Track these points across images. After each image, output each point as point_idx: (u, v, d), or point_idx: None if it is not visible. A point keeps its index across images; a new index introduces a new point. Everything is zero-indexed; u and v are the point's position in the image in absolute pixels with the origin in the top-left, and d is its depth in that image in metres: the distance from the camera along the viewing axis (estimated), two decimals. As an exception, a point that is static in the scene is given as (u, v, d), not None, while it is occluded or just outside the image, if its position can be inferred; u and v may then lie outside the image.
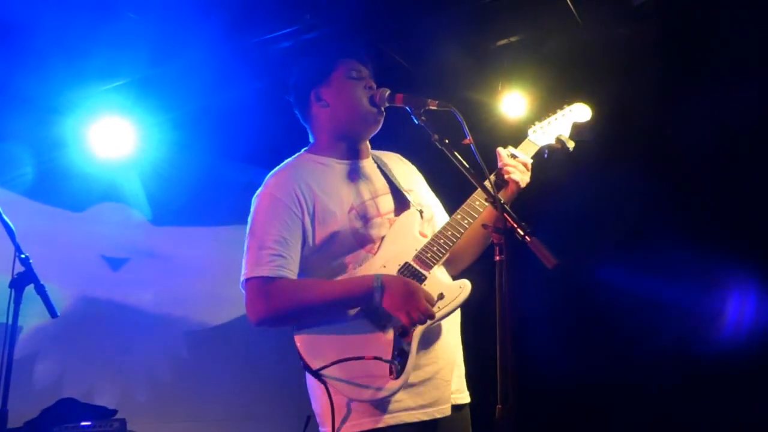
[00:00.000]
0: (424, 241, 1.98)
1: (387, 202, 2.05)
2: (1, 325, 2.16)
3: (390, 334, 1.84)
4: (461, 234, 1.97)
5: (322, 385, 1.84)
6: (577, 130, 5.91)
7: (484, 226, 1.70)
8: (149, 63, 4.04)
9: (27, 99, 4.22)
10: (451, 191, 2.24)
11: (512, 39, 4.32)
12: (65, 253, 4.37)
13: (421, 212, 2.05)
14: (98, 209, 4.52)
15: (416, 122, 1.95)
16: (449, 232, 1.96)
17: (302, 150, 2.15)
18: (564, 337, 4.76)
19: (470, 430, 2.02)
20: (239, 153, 4.79)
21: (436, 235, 1.97)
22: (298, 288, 1.92)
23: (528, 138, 2.18)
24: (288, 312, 1.90)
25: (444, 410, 1.90)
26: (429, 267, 1.93)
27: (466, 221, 1.97)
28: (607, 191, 4.91)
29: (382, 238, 1.99)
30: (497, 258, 1.66)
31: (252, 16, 3.72)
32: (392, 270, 1.92)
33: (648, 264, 4.54)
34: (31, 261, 2.20)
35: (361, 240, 1.97)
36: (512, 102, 4.65)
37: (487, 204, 1.96)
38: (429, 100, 1.96)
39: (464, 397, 2.01)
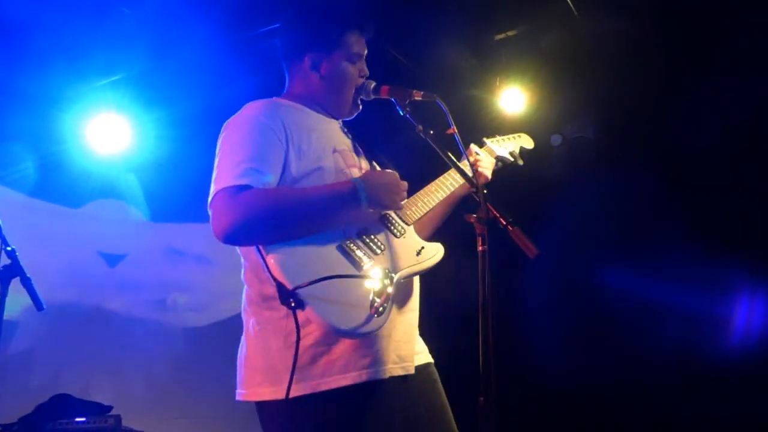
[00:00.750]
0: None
1: (361, 158, 2.04)
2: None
3: (369, 273, 1.75)
4: (436, 202, 2.05)
5: (277, 314, 1.69)
6: (578, 127, 5.80)
7: (466, 217, 1.68)
8: (146, 58, 4.04)
9: (24, 96, 4.22)
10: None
11: (510, 33, 4.30)
12: (62, 249, 4.38)
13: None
14: (95, 206, 4.53)
15: (401, 113, 1.94)
16: (426, 199, 2.04)
17: (273, 97, 2.04)
18: (564, 336, 4.72)
19: (440, 387, 1.97)
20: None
21: (415, 197, 2.02)
22: (273, 193, 1.73)
23: (487, 145, 2.35)
24: (262, 219, 1.67)
25: (408, 368, 1.84)
26: (407, 223, 1.96)
27: (440, 193, 2.07)
28: (607, 189, 4.88)
29: None
30: (480, 248, 1.64)
31: (249, 9, 3.70)
32: (377, 214, 1.89)
33: (650, 264, 4.51)
34: (17, 253, 2.18)
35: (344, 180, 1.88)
36: (511, 97, 4.63)
37: (458, 183, 2.09)
38: (414, 91, 1.95)
39: (428, 357, 1.99)
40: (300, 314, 1.62)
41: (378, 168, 2.07)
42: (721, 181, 4.46)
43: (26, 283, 2.16)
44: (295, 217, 1.71)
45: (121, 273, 4.64)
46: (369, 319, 1.65)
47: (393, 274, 1.76)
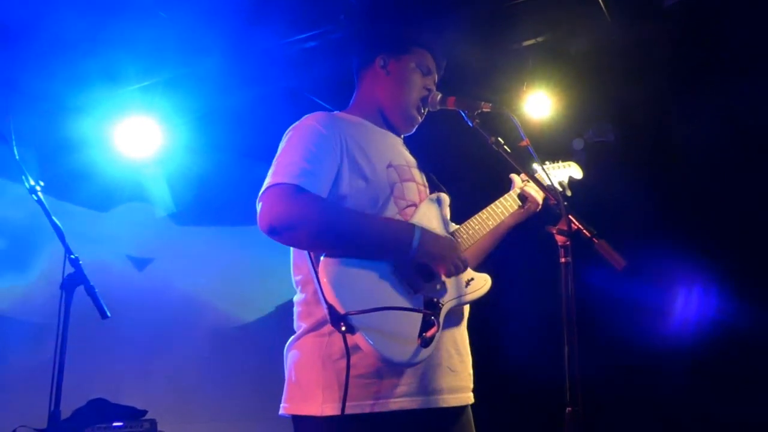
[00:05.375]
0: (451, 223, 1.99)
1: (421, 176, 2.03)
2: (51, 327, 2.16)
3: (418, 302, 1.75)
4: (488, 229, 2.02)
5: (326, 339, 1.71)
6: (600, 131, 5.83)
7: (548, 228, 1.70)
8: (176, 63, 4.05)
9: (54, 99, 4.23)
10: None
11: (539, 39, 4.32)
12: (91, 252, 4.37)
13: (450, 200, 2.06)
14: (124, 209, 4.53)
15: (470, 125, 1.96)
16: (477, 226, 2.00)
17: (335, 111, 2.07)
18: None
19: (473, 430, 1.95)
20: (264, 153, 4.78)
21: (464, 226, 1.99)
22: (331, 207, 1.75)
23: (536, 174, 2.30)
24: (310, 226, 1.68)
25: (447, 400, 1.80)
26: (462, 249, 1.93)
27: (491, 220, 2.04)
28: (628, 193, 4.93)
29: (416, 205, 1.91)
30: (562, 260, 1.67)
31: (276, 15, 3.71)
32: None
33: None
34: (80, 262, 2.20)
35: (397, 198, 1.88)
36: (537, 102, 4.66)
37: (509, 211, 2.08)
38: (482, 103, 1.97)
39: (471, 398, 1.94)
40: (349, 338, 1.63)
41: (438, 183, 2.08)
42: (739, 185, 4.51)
43: (90, 291, 2.18)
44: (342, 238, 1.72)
45: (150, 276, 4.65)
46: (417, 351, 1.67)
47: (442, 305, 1.76)
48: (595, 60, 4.30)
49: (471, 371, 1.93)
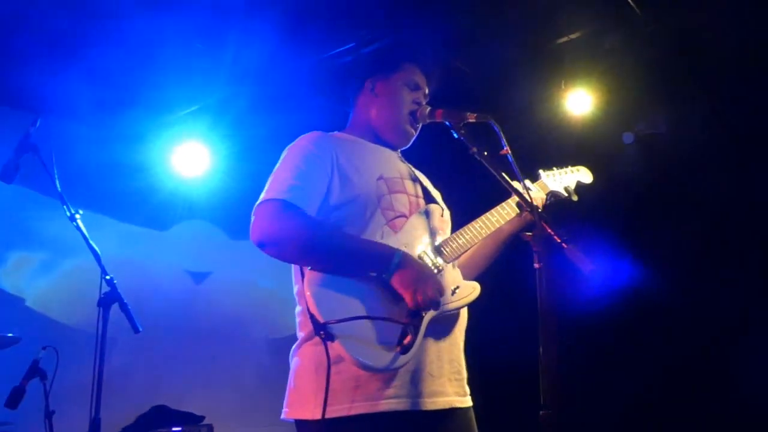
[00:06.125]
0: (444, 235, 2.02)
1: (415, 187, 2.08)
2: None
3: (402, 311, 1.80)
4: (479, 239, 2.03)
5: (316, 347, 1.78)
6: (651, 123, 5.69)
7: (522, 235, 1.74)
8: (223, 88, 4.27)
9: (108, 128, 4.55)
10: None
11: (572, 36, 4.28)
12: (153, 269, 4.69)
13: (442, 210, 2.11)
14: (181, 227, 4.83)
15: (456, 136, 2.00)
16: (468, 235, 2.01)
17: (334, 131, 2.17)
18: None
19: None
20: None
21: (457, 234, 2.01)
22: (315, 222, 1.84)
23: (541, 179, 2.31)
24: (296, 241, 1.79)
25: (437, 403, 1.85)
26: (447, 261, 1.96)
27: (484, 229, 2.04)
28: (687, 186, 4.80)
29: (406, 217, 1.97)
30: (536, 265, 1.70)
31: (311, 34, 3.85)
32: (412, 252, 1.90)
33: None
34: (115, 281, 2.40)
35: (384, 209, 1.94)
36: (577, 99, 4.61)
37: (505, 219, 2.06)
38: (467, 114, 2.00)
39: (463, 401, 1.96)
40: (330, 345, 1.72)
41: (439, 201, 2.14)
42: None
43: (124, 308, 2.37)
44: (325, 256, 1.81)
45: (207, 289, 4.92)
46: (395, 357, 1.73)
47: (424, 313, 1.81)
48: (633, 53, 4.22)
49: (460, 376, 1.97)
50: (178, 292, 4.79)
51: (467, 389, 2.00)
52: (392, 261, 1.79)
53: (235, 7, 3.57)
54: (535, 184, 2.28)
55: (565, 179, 2.35)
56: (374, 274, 1.81)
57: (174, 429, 3.86)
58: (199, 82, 4.17)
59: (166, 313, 4.69)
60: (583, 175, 2.42)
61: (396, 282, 1.79)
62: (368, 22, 3.93)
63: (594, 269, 1.60)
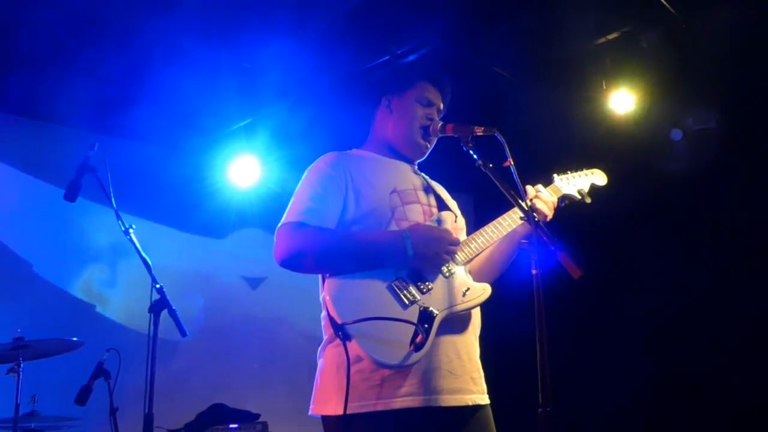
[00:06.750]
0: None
1: (428, 197, 2.19)
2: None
3: (414, 312, 1.92)
4: (490, 242, 2.14)
5: (337, 348, 1.91)
6: (701, 117, 5.59)
7: (519, 242, 1.84)
8: (272, 103, 4.51)
9: (164, 143, 4.87)
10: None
11: (610, 37, 4.28)
12: (211, 275, 4.99)
13: (456, 217, 2.22)
14: (236, 235, 5.11)
15: (464, 149, 2.12)
16: (480, 240, 2.13)
17: (353, 149, 2.32)
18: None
19: (493, 430, 2.07)
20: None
21: (468, 239, 2.13)
22: (325, 233, 2.00)
23: (554, 183, 2.38)
24: (311, 254, 1.96)
25: (459, 400, 1.95)
26: (458, 263, 2.06)
27: (496, 233, 2.15)
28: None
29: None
30: (533, 271, 1.80)
31: (342, 50, 4.00)
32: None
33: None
34: (164, 289, 2.63)
35: (398, 219, 2.06)
36: (620, 98, 4.61)
37: (516, 224, 2.15)
38: (475, 128, 2.12)
39: (483, 399, 2.06)
40: (348, 345, 1.86)
41: (453, 209, 2.25)
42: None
43: (173, 314, 2.58)
44: (341, 257, 1.97)
45: (263, 293, 5.18)
46: (408, 354, 1.85)
47: (436, 313, 1.94)
48: (672, 52, 4.19)
49: (477, 375, 2.08)
50: (236, 297, 5.07)
51: (485, 387, 2.11)
52: (405, 238, 1.96)
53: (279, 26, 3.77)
54: (548, 188, 2.34)
55: (579, 182, 2.42)
56: (396, 261, 1.96)
57: (231, 426, 4.11)
58: (250, 98, 4.43)
59: (226, 317, 4.98)
60: (597, 177, 2.47)
61: (419, 252, 1.95)
62: (408, 34, 4.08)
63: (582, 275, 1.68)
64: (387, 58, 4.01)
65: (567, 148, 4.92)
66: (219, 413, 4.25)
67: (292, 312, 5.18)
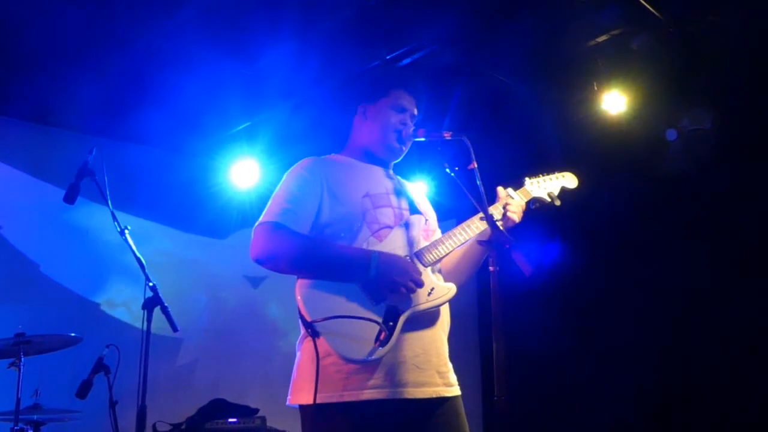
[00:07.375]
0: (425, 242, 2.23)
1: (400, 200, 2.30)
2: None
3: (381, 310, 2.05)
4: (457, 244, 2.24)
5: (310, 343, 2.03)
6: (696, 119, 5.65)
7: (480, 242, 1.94)
8: (271, 106, 4.63)
9: (178, 149, 5.02)
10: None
11: (599, 39, 4.35)
12: (213, 274, 5.13)
13: (426, 220, 2.32)
14: (238, 235, 5.24)
15: (438, 151, 2.24)
16: (448, 241, 2.23)
17: (331, 154, 2.44)
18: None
19: (462, 420, 2.17)
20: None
21: (436, 241, 2.24)
22: (299, 238, 2.11)
23: (524, 186, 2.47)
24: (285, 257, 2.10)
25: (424, 392, 2.06)
26: (426, 266, 2.18)
27: (462, 235, 2.25)
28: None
29: (391, 228, 2.20)
30: (491, 268, 1.90)
31: (341, 53, 4.09)
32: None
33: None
34: (157, 287, 2.76)
35: (369, 222, 2.18)
36: (612, 100, 4.69)
37: (482, 226, 2.24)
38: (445, 133, 2.24)
39: (450, 391, 2.16)
40: (318, 341, 2.01)
41: (417, 206, 2.35)
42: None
43: (165, 311, 2.71)
44: (309, 265, 2.12)
45: (264, 292, 5.31)
46: (373, 350, 1.99)
47: (401, 312, 2.06)
48: (662, 54, 4.25)
49: (444, 368, 2.19)
50: (238, 295, 5.20)
51: (454, 380, 2.22)
52: (371, 262, 2.07)
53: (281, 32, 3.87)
54: (518, 191, 2.44)
55: (549, 185, 2.52)
56: (359, 277, 2.08)
57: (230, 420, 4.24)
58: (251, 102, 4.55)
59: (227, 315, 5.12)
60: (568, 180, 2.57)
61: (381, 276, 2.06)
62: (406, 38, 4.18)
63: (534, 273, 1.79)
64: (386, 61, 4.11)
65: (561, 148, 5.01)
66: (219, 408, 4.40)
67: (292, 310, 5.27)
